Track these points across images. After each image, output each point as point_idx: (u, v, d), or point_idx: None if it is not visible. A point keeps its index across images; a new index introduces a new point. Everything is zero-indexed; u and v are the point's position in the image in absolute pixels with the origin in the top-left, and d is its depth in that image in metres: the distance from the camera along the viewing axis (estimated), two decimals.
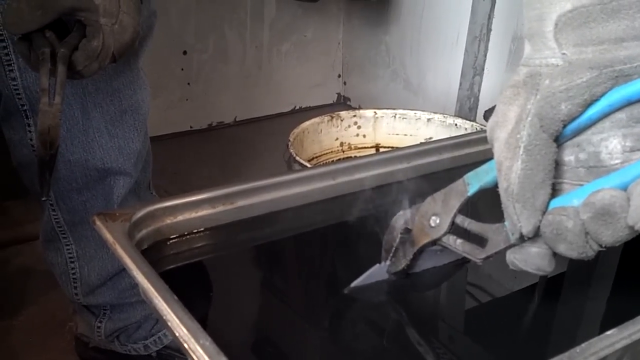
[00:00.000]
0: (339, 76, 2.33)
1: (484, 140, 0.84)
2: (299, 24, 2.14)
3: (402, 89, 2.08)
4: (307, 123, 1.07)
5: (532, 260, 0.46)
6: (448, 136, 1.12)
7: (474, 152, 0.82)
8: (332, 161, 1.13)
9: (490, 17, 1.15)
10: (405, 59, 2.04)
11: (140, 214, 0.60)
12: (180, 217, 0.63)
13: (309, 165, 0.91)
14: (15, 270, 1.35)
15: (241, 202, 0.65)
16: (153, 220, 0.61)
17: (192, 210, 0.63)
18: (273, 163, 1.70)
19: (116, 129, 0.90)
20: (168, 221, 0.62)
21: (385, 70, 2.13)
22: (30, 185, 0.94)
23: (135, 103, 0.91)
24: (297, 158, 0.93)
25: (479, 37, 1.15)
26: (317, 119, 1.09)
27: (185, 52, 1.96)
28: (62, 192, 0.91)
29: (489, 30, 1.16)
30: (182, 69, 1.98)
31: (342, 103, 2.34)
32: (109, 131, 0.90)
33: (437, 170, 0.79)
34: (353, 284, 0.59)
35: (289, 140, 0.99)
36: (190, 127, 2.06)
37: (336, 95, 2.35)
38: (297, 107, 2.27)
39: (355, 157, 1.15)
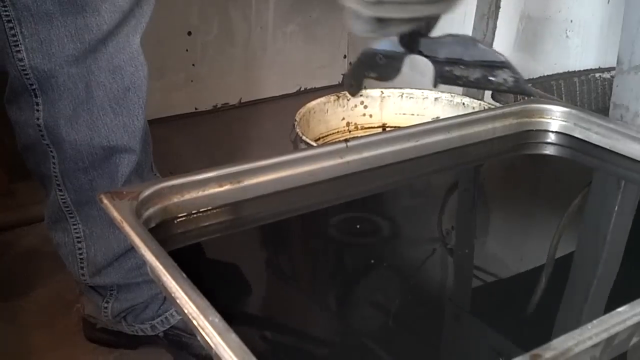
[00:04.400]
0: (345, 57, 2.31)
1: (493, 118, 0.83)
2: (304, 4, 2.12)
3: (409, 70, 2.05)
4: (313, 103, 1.06)
5: None
6: (456, 114, 1.11)
7: (482, 130, 0.81)
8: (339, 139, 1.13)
9: None
10: None
11: (148, 192, 0.60)
12: (187, 196, 0.62)
13: (315, 145, 0.91)
14: (22, 252, 1.35)
15: (248, 181, 0.65)
16: (160, 199, 0.61)
17: (199, 189, 0.63)
18: (279, 144, 1.69)
19: (120, 107, 0.90)
20: (175, 200, 0.62)
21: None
22: (35, 168, 0.94)
23: (137, 80, 0.90)
24: (304, 137, 0.92)
25: (487, 15, 1.13)
26: (323, 99, 1.08)
27: (189, 33, 1.94)
28: (68, 171, 0.91)
29: (497, 7, 1.15)
30: (187, 50, 1.96)
31: None
32: (113, 109, 0.90)
33: (446, 148, 0.78)
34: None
35: (295, 120, 0.98)
36: (195, 108, 2.05)
37: (342, 76, 2.33)
38: (303, 88, 2.26)
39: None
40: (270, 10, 2.07)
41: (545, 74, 1.62)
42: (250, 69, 2.10)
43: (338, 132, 1.12)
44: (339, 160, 0.71)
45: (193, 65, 2.00)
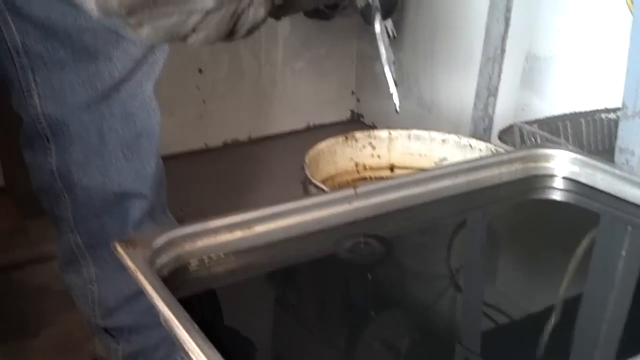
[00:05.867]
0: (353, 93, 2.34)
1: (499, 163, 0.84)
2: (313, 41, 2.15)
3: (416, 106, 2.09)
4: (322, 144, 1.08)
5: None
6: (462, 157, 1.12)
7: (489, 176, 0.82)
8: (348, 182, 1.14)
9: (504, 39, 1.15)
10: (419, 76, 2.05)
11: (160, 240, 0.61)
12: (199, 243, 0.64)
13: (325, 188, 0.92)
14: (33, 289, 1.36)
15: (258, 228, 0.66)
16: (172, 247, 0.62)
17: (211, 236, 0.64)
18: (287, 182, 1.71)
19: (132, 153, 0.92)
20: (187, 247, 0.63)
21: (399, 87, 2.13)
22: (48, 209, 0.96)
23: (149, 127, 0.92)
24: (313, 180, 0.94)
25: (493, 58, 1.16)
26: (331, 140, 1.10)
27: (200, 71, 1.98)
28: (80, 215, 0.93)
29: (502, 51, 1.17)
30: (198, 87, 2.00)
31: (356, 120, 2.35)
32: (125, 155, 0.91)
33: (453, 194, 0.79)
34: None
35: (305, 162, 1.00)
36: (205, 144, 2.08)
37: (350, 112, 2.36)
38: (312, 124, 2.28)
39: (370, 177, 1.16)
40: (280, 47, 2.10)
41: (552, 113, 1.63)
42: (260, 105, 2.13)
43: (347, 172, 1.14)
44: (347, 207, 0.72)
45: (204, 102, 2.03)
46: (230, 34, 0.50)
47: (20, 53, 0.82)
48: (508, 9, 1.12)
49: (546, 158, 0.85)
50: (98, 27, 0.82)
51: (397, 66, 2.10)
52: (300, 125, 2.26)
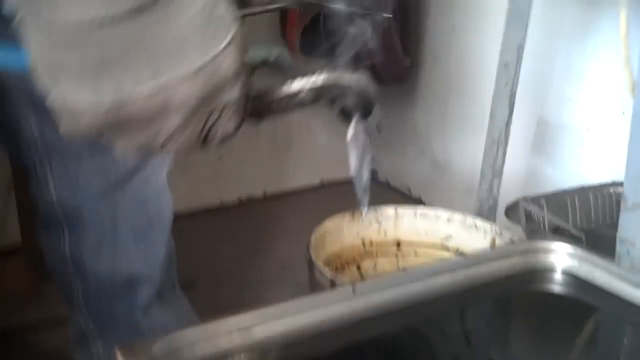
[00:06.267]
0: None
1: (498, 257, 0.86)
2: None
3: (428, 166, 2.11)
4: (328, 223, 1.10)
5: None
6: (467, 236, 1.14)
7: (487, 270, 0.83)
8: (354, 258, 1.16)
9: (508, 123, 1.18)
10: (432, 137, 2.07)
11: (160, 346, 0.63)
12: (197, 347, 0.66)
13: (327, 273, 0.94)
14: (48, 352, 1.38)
15: (255, 330, 0.68)
16: (172, 351, 0.64)
17: (209, 340, 0.66)
18: (300, 241, 1.74)
19: (144, 239, 0.94)
20: (186, 351, 0.65)
21: (412, 147, 2.17)
22: (60, 288, 0.99)
23: (162, 213, 0.95)
24: (317, 264, 0.96)
25: (497, 141, 1.18)
26: (338, 218, 1.12)
27: None
28: (90, 298, 0.95)
29: (507, 135, 1.19)
30: None
31: (370, 177, 2.37)
32: (137, 241, 0.94)
33: (452, 289, 0.81)
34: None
35: (310, 243, 1.02)
36: (221, 201, 2.11)
37: None
38: (325, 181, 2.31)
39: (376, 253, 1.17)
40: None
41: (563, 181, 1.65)
42: (275, 161, 2.17)
43: (353, 248, 1.16)
44: (345, 305, 0.74)
45: (219, 158, 2.07)
46: (203, 144, 0.50)
47: (37, 144, 0.85)
48: (512, 95, 1.15)
49: (545, 251, 0.86)
50: None
51: (411, 126, 2.13)
52: (314, 181, 2.29)
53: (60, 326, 1.42)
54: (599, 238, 1.19)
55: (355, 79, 0.56)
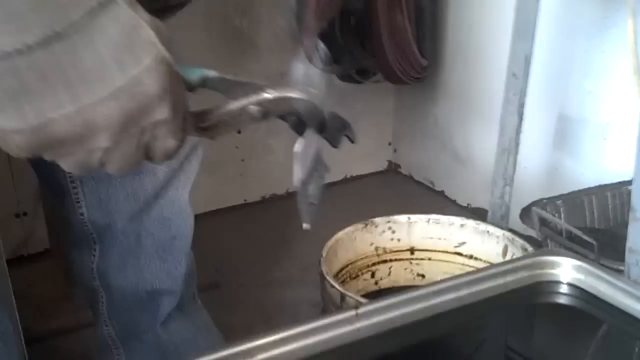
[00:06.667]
0: (390, 144, 2.37)
1: (504, 273, 0.86)
2: (349, 98, 2.19)
3: (451, 160, 2.11)
4: (341, 233, 1.12)
5: None
6: (481, 242, 1.14)
7: (493, 286, 0.84)
8: (368, 266, 1.17)
9: (518, 132, 1.17)
10: (453, 131, 2.07)
11: None
12: None
13: (337, 286, 0.96)
14: (77, 356, 1.43)
15: (260, 357, 0.70)
16: None
17: None
18: (321, 238, 1.76)
19: (166, 254, 0.98)
20: None
21: (434, 141, 2.16)
22: (86, 301, 1.03)
23: (184, 230, 0.98)
24: (328, 277, 0.97)
25: (508, 150, 1.18)
26: (351, 228, 1.14)
27: (239, 131, 2.05)
28: (113, 310, 1.00)
29: (517, 144, 1.19)
30: (237, 147, 2.07)
31: (393, 170, 2.38)
32: (160, 256, 0.97)
33: (457, 306, 0.82)
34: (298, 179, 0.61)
35: (322, 255, 1.04)
36: (244, 200, 2.14)
37: (387, 162, 2.39)
38: (348, 176, 2.32)
39: (390, 260, 1.19)
40: None
41: (584, 175, 1.63)
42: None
43: (367, 257, 1.17)
44: (349, 328, 0.75)
45: (242, 160, 2.10)
46: (146, 159, 0.50)
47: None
48: (521, 105, 1.14)
49: (552, 265, 0.87)
50: None
51: (432, 121, 2.13)
52: (337, 177, 2.30)
53: (87, 331, 1.47)
54: (616, 238, 1.18)
55: (300, 95, 0.57)
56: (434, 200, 2.17)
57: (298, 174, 0.60)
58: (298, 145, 0.61)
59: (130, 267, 0.97)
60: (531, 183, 1.78)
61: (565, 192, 1.46)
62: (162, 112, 0.45)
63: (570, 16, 1.61)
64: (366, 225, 1.15)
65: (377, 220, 1.16)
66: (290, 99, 0.57)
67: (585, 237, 1.04)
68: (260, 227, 2.03)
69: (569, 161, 1.70)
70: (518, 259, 0.87)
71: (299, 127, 0.61)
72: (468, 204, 2.06)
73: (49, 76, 0.40)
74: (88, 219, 0.93)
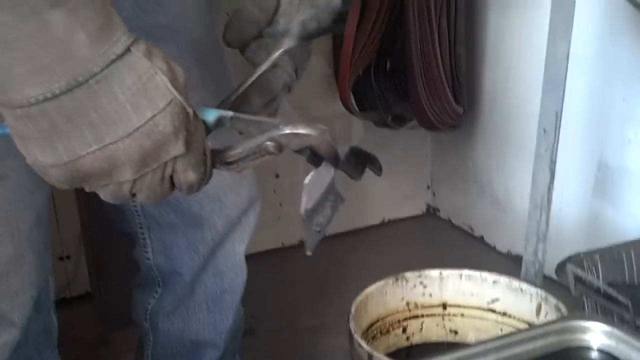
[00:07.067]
0: (428, 187, 2.37)
1: (533, 338, 0.85)
2: (387, 142, 2.20)
3: (490, 205, 2.09)
4: (371, 288, 1.11)
5: None
6: (514, 299, 1.13)
7: (522, 352, 0.83)
8: (399, 321, 1.17)
9: (550, 189, 1.16)
10: (492, 176, 2.05)
11: None
12: None
13: (365, 345, 0.96)
14: None
15: None
16: None
17: None
18: (357, 286, 1.76)
19: (215, 306, 1.00)
20: None
21: (473, 186, 2.15)
22: (138, 339, 1.06)
23: (236, 285, 1.00)
24: (356, 336, 0.97)
25: (540, 206, 1.16)
26: (381, 282, 1.13)
27: (277, 176, 2.07)
28: (158, 355, 1.03)
29: (549, 201, 1.18)
30: (274, 191, 2.09)
31: (432, 214, 2.37)
32: (209, 307, 1.00)
33: None
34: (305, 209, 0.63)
35: (350, 312, 1.04)
36: (282, 243, 2.16)
37: (425, 205, 2.38)
38: (387, 219, 2.32)
39: (422, 315, 1.18)
40: None
41: (626, 224, 1.60)
42: None
43: (398, 312, 1.16)
44: None
45: (280, 204, 2.12)
46: (173, 190, 0.55)
47: (140, 214, 0.94)
48: (552, 161, 1.13)
49: (582, 330, 0.85)
50: (204, 196, 0.92)
51: (471, 165, 2.12)
52: (375, 220, 2.30)
53: None
54: None
55: (311, 130, 0.60)
56: (472, 246, 2.15)
57: (304, 204, 0.65)
58: (308, 177, 0.64)
59: (179, 314, 1.00)
60: (571, 231, 1.75)
61: (607, 240, 1.42)
62: (177, 149, 0.50)
63: (608, 63, 1.60)
64: (397, 279, 1.15)
65: (408, 274, 1.16)
66: (302, 134, 0.61)
67: (620, 297, 1.02)
68: (297, 271, 2.04)
69: (610, 210, 1.67)
70: (548, 323, 0.85)
71: (315, 161, 0.65)
72: (508, 251, 2.03)
73: (74, 119, 0.46)
74: (153, 263, 0.97)
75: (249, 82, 0.72)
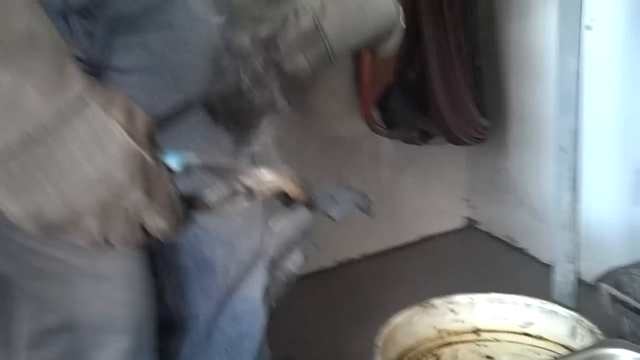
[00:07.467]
0: (466, 200, 2.32)
1: None
2: (418, 157, 2.17)
3: (529, 216, 2.03)
4: (398, 318, 1.09)
5: None
6: (548, 323, 1.09)
7: None
8: (431, 349, 1.14)
9: (575, 210, 1.12)
10: (527, 186, 2.00)
11: None
12: None
13: None
14: None
15: None
16: None
17: None
18: (394, 307, 1.73)
19: (233, 351, 0.99)
20: None
21: (510, 196, 2.10)
22: None
23: (254, 329, 0.99)
24: None
25: (568, 226, 1.12)
26: (409, 311, 1.11)
27: None
28: None
29: (574, 220, 1.13)
30: None
31: (471, 227, 2.32)
32: (227, 353, 0.99)
33: None
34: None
35: (377, 346, 1.02)
36: (320, 266, 2.14)
37: (464, 219, 2.33)
38: (425, 236, 2.28)
39: (455, 342, 1.15)
40: (385, 166, 2.14)
41: None
42: (369, 223, 2.15)
43: (429, 340, 1.14)
44: None
45: (315, 225, 2.10)
46: (146, 237, 0.55)
47: (158, 259, 0.93)
48: (572, 179, 1.09)
49: (610, 358, 0.81)
50: (215, 240, 0.91)
51: (505, 176, 2.07)
52: (411, 237, 2.26)
53: None
54: None
55: (279, 177, 0.59)
56: (514, 258, 2.09)
57: (270, 251, 0.62)
58: (276, 222, 0.63)
59: (197, 358, 0.99)
60: (612, 239, 1.69)
61: None
62: (137, 197, 0.50)
63: (637, 65, 1.54)
64: (425, 307, 1.12)
65: (437, 302, 1.13)
66: (268, 181, 0.60)
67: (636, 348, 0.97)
68: (336, 294, 2.01)
69: None
70: (576, 352, 0.82)
71: (289, 204, 0.63)
72: (551, 262, 1.97)
73: (33, 172, 0.47)
74: (172, 303, 0.98)
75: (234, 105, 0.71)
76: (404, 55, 1.72)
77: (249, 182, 0.59)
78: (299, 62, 0.83)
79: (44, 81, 0.46)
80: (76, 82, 0.48)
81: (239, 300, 0.95)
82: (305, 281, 2.09)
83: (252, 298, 0.96)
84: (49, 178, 0.47)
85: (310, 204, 0.63)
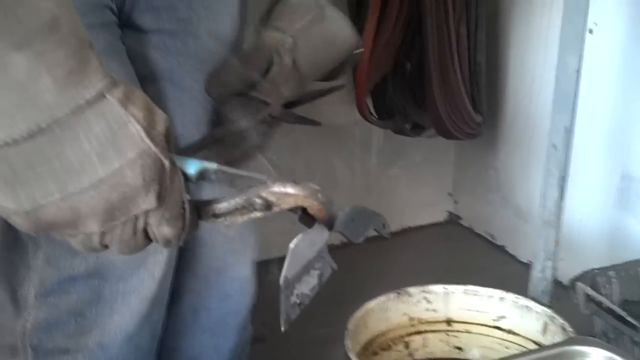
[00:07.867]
0: (450, 195, 2.32)
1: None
2: (408, 149, 2.17)
3: (513, 215, 2.04)
4: (371, 303, 1.09)
5: None
6: (520, 317, 1.09)
7: None
8: (402, 336, 1.14)
9: (560, 207, 1.12)
10: (514, 185, 2.00)
11: None
12: None
13: None
14: None
15: None
16: None
17: None
18: (374, 292, 1.72)
19: (219, 329, 0.99)
20: None
21: (495, 194, 2.10)
22: None
23: (241, 307, 0.99)
24: (350, 355, 0.95)
25: (549, 222, 1.12)
26: (383, 297, 1.11)
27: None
28: None
29: (558, 217, 1.13)
30: None
31: (453, 222, 2.32)
32: (212, 330, 0.98)
33: None
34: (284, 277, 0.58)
35: (347, 329, 1.01)
36: None
37: (446, 213, 2.34)
38: (407, 227, 2.28)
39: (425, 331, 1.15)
40: (373, 157, 2.14)
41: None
42: None
43: (400, 327, 1.14)
44: None
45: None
46: (148, 243, 0.52)
47: None
48: (562, 178, 1.09)
49: (581, 355, 0.82)
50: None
51: (493, 174, 2.07)
52: (395, 227, 2.26)
53: None
54: None
55: (300, 191, 0.56)
56: (493, 255, 2.10)
57: (285, 271, 0.59)
58: (295, 241, 0.60)
59: (182, 338, 0.98)
60: (593, 243, 1.70)
61: (629, 253, 1.37)
62: (148, 202, 0.47)
63: (634, 72, 1.54)
64: (399, 294, 1.12)
65: (412, 289, 1.13)
66: (291, 194, 0.57)
67: (629, 319, 0.97)
68: None
69: (633, 222, 1.61)
70: (548, 347, 0.82)
71: (307, 221, 0.60)
72: (529, 261, 1.98)
73: (36, 166, 0.44)
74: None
75: (218, 135, 0.70)
76: (403, 45, 1.71)
77: (269, 195, 0.56)
78: (279, 94, 0.82)
79: (62, 71, 0.43)
80: (96, 75, 0.45)
81: (228, 280, 0.94)
82: (280, 265, 2.10)
83: (240, 277, 0.96)
84: (53, 174, 0.44)
85: (329, 224, 0.61)
